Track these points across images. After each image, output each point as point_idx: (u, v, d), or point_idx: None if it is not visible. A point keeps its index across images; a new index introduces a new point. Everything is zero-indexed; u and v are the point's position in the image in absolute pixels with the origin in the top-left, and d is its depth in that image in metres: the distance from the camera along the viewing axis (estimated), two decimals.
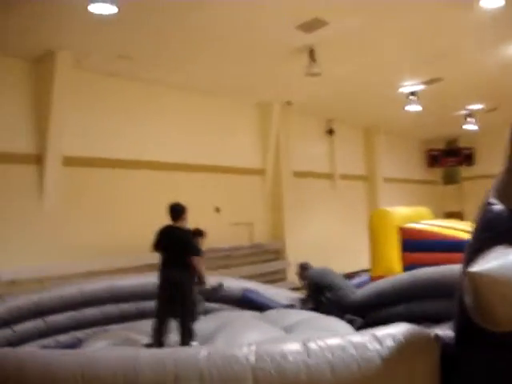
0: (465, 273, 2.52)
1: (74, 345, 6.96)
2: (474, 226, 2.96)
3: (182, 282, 6.41)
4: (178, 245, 6.56)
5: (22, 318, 6.80)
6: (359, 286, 8.84)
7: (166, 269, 6.53)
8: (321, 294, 7.76)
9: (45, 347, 6.94)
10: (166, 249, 6.62)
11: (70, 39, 8.20)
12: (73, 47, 8.53)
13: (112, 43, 8.47)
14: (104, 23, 7.46)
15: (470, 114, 15.86)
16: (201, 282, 6.59)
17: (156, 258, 6.98)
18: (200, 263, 6.49)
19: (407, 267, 9.79)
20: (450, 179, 21.06)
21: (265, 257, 12.77)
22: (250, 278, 10.18)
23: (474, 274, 2.42)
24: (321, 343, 2.70)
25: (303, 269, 8.38)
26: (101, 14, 6.95)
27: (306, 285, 8.25)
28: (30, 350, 6.01)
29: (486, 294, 2.40)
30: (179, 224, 6.76)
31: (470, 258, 2.66)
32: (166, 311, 6.37)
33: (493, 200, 2.93)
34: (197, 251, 6.60)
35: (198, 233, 7.83)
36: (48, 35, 8.00)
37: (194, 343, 6.21)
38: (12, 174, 8.54)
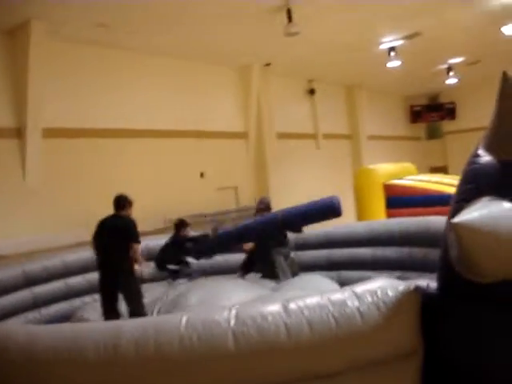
0: (449, 224, 2.53)
1: (66, 316, 7.04)
2: (461, 177, 2.95)
3: (121, 271, 6.65)
4: (118, 233, 6.74)
5: (9, 289, 6.85)
6: None
7: (104, 260, 6.77)
8: None
9: (36, 319, 7.03)
10: (106, 238, 6.80)
11: (44, 9, 8.03)
12: (48, 17, 8.36)
13: (88, 11, 8.31)
14: None
15: (451, 68, 15.82)
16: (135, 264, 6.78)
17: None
18: (138, 251, 6.76)
19: None
20: (433, 134, 21.13)
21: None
22: None
23: (457, 224, 2.41)
24: (300, 303, 2.72)
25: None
26: None
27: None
28: (13, 325, 6.06)
29: (470, 244, 2.40)
30: (122, 214, 6.94)
31: (455, 210, 2.66)
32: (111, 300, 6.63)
33: (481, 151, 2.90)
34: (136, 238, 6.78)
35: (182, 223, 7.97)
36: (22, 5, 7.83)
37: None
38: None
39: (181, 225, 8.10)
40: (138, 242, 6.77)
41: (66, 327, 3.09)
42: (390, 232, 7.48)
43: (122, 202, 6.98)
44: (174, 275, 7.86)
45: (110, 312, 6.50)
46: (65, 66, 9.44)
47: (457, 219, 2.45)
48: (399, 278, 4.35)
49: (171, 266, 7.83)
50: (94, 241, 6.89)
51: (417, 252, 6.83)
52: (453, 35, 12.27)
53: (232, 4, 8.78)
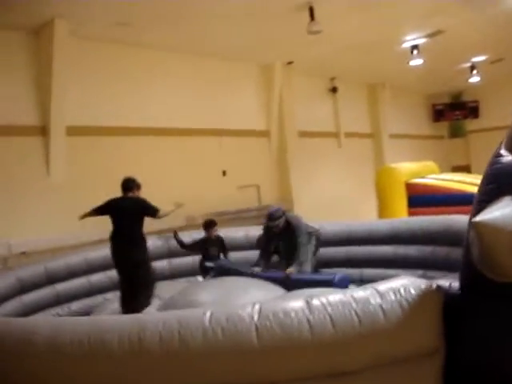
0: (471, 223, 2.53)
1: (87, 313, 7.10)
2: (483, 177, 2.94)
3: (134, 259, 6.68)
4: (128, 214, 6.80)
5: (32, 287, 6.93)
6: None
7: (116, 242, 6.81)
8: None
9: (58, 316, 7.10)
10: (115, 220, 6.86)
11: (67, 8, 8.08)
12: (71, 16, 8.40)
13: (109, 10, 8.35)
14: None
15: (474, 66, 15.70)
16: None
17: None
18: (164, 214, 6.88)
19: None
20: (455, 133, 20.96)
21: None
22: None
23: (479, 223, 2.42)
24: (323, 299, 2.75)
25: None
26: None
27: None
28: (37, 317, 6.14)
29: (491, 243, 2.41)
30: (129, 196, 7.00)
31: (477, 209, 2.66)
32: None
33: (503, 151, 2.89)
34: (153, 210, 6.82)
35: (210, 224, 7.96)
36: (45, 5, 7.90)
37: None
38: (18, 147, 8.55)
39: (209, 225, 8.09)
40: (157, 211, 6.77)
41: (90, 320, 3.14)
42: (412, 230, 7.45)
43: (130, 184, 6.99)
44: (213, 272, 7.76)
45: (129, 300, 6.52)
46: (87, 65, 9.50)
47: (478, 218, 2.45)
48: (421, 276, 4.34)
49: (208, 264, 7.78)
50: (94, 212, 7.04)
51: (439, 251, 6.80)
52: (476, 33, 12.16)
53: (255, 2, 8.79)
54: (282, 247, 7.64)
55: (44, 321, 3.34)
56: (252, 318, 2.67)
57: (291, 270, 7.06)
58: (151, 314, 3.46)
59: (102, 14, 8.49)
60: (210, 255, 7.86)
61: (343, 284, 6.61)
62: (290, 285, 6.71)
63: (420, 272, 6.59)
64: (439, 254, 6.80)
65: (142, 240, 6.85)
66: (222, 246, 8.05)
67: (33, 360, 2.77)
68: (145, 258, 6.83)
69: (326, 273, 7.37)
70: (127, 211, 6.80)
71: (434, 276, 5.41)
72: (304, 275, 7.08)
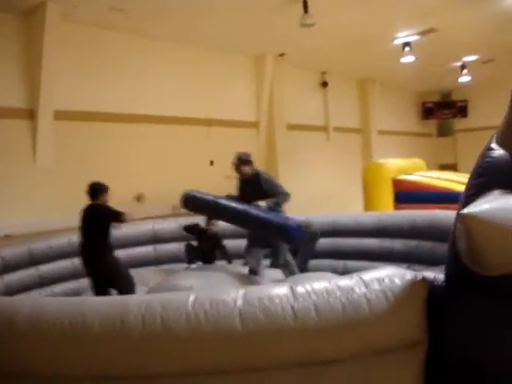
0: (458, 215, 2.52)
1: (70, 295, 7.07)
2: (472, 171, 2.93)
3: (103, 270, 6.57)
4: (88, 223, 6.67)
5: (15, 267, 6.89)
6: None
7: (82, 253, 6.71)
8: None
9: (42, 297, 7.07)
10: (83, 229, 6.72)
11: None
12: None
13: None
14: None
15: (465, 66, 15.74)
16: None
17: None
18: (128, 217, 6.60)
19: None
20: (444, 131, 21.04)
21: None
22: None
23: (466, 215, 2.41)
24: (307, 287, 2.74)
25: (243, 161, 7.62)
26: None
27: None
28: (21, 297, 6.11)
29: (478, 236, 2.39)
30: (94, 203, 6.82)
31: (466, 202, 2.64)
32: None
33: (494, 145, 2.89)
34: (115, 216, 6.61)
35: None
36: None
37: None
38: (5, 129, 8.48)
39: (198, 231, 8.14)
40: (119, 215, 6.56)
41: (72, 301, 3.12)
42: (398, 224, 7.49)
43: (95, 190, 6.83)
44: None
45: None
46: (79, 49, 9.45)
47: (466, 210, 2.44)
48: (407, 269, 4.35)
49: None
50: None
51: (424, 245, 6.84)
52: (468, 33, 12.19)
53: None
54: (249, 195, 7.46)
55: (27, 300, 3.31)
56: (236, 303, 2.66)
57: (262, 203, 7.05)
58: (134, 297, 3.44)
59: None
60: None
61: (298, 233, 6.66)
62: (249, 219, 6.81)
63: (404, 266, 6.62)
64: (424, 248, 6.84)
65: (105, 251, 6.68)
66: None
67: (15, 339, 2.75)
68: (114, 266, 6.69)
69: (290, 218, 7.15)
70: (87, 221, 6.69)
71: (418, 270, 5.43)
72: (266, 214, 7.01)
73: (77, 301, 3.11)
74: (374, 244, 7.65)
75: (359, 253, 7.79)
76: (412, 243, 7.12)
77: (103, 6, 8.77)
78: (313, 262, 8.00)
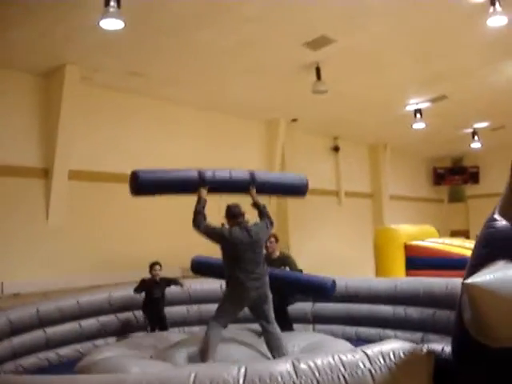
0: (463, 285, 2.51)
1: (76, 359, 6.93)
2: (476, 241, 2.94)
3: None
4: None
5: (22, 329, 6.79)
6: None
7: None
8: None
9: (47, 360, 6.95)
10: None
11: (80, 55, 8.26)
12: (83, 63, 8.58)
13: (123, 60, 8.55)
14: (112, 40, 7.55)
15: (476, 132, 15.85)
16: None
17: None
18: None
19: None
20: (455, 197, 21.02)
21: None
22: None
23: (470, 285, 2.41)
24: (310, 363, 2.67)
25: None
26: (109, 30, 6.78)
27: None
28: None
29: (482, 306, 2.38)
30: None
31: (470, 272, 2.64)
32: None
33: (497, 216, 2.90)
34: None
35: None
36: (58, 50, 8.07)
37: None
38: (19, 188, 8.57)
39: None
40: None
41: (70, 380, 3.03)
42: (414, 291, 7.35)
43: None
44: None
45: None
46: (95, 111, 9.62)
47: (470, 280, 2.43)
48: (421, 339, 4.26)
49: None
50: None
51: (440, 314, 6.70)
52: (479, 100, 12.33)
53: (263, 61, 8.98)
54: None
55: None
56: (237, 381, 2.59)
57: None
58: (133, 374, 3.34)
59: (115, 63, 8.64)
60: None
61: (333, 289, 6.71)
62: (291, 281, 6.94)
63: (419, 334, 6.52)
64: (440, 316, 6.69)
65: None
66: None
67: None
68: None
69: None
70: None
71: (433, 340, 5.32)
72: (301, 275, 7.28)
73: (76, 379, 3.04)
74: (388, 311, 7.50)
75: (374, 319, 7.63)
76: (429, 311, 6.97)
77: (122, 71, 8.98)
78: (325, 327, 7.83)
